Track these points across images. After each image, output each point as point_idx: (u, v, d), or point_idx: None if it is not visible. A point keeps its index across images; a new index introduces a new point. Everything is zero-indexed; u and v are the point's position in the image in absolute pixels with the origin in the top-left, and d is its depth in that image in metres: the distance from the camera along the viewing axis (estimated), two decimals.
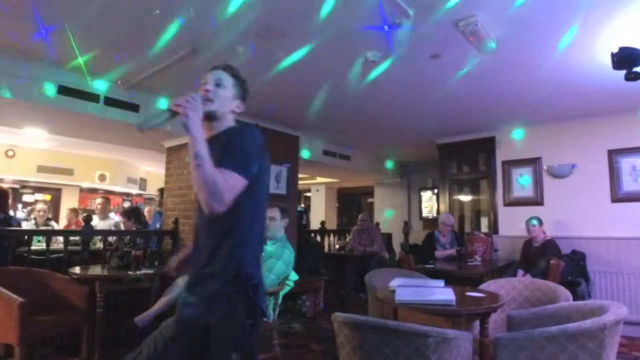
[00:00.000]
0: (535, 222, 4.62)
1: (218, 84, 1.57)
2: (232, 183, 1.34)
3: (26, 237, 4.04)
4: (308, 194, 11.27)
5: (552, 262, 4.18)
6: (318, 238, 6.82)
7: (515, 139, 5.51)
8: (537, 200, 5.26)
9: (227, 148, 1.42)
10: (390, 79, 3.75)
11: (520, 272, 4.48)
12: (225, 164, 1.36)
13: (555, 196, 5.15)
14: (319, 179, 9.98)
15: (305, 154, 6.13)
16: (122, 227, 4.86)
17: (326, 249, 7.04)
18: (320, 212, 10.22)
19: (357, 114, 4.98)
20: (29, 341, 2.89)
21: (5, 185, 4.82)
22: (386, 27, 2.80)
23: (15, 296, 2.79)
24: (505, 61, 3.36)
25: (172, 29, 2.92)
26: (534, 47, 3.13)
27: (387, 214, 8.85)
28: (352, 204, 11.96)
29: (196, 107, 1.41)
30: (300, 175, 6.26)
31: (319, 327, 4.55)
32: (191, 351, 1.52)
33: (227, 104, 1.58)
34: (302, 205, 11.38)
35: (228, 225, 1.44)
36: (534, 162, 5.35)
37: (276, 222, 3.33)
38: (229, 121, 1.59)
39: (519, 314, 2.80)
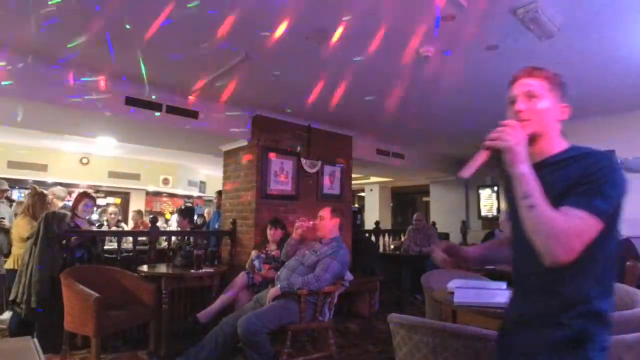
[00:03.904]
0: None
1: (531, 96, 1.22)
2: (582, 227, 1.04)
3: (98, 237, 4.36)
4: (362, 194, 11.22)
5: (628, 263, 3.85)
6: (373, 238, 6.77)
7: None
8: None
9: (576, 180, 1.10)
10: (444, 73, 3.64)
11: None
12: (575, 202, 1.07)
13: (631, 192, 4.73)
14: (373, 179, 9.90)
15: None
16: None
17: (381, 249, 6.96)
18: (374, 212, 10.14)
19: (410, 111, 4.88)
20: (104, 333, 3.12)
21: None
22: (439, 19, 2.72)
23: (91, 292, 3.03)
24: (569, 48, 3.14)
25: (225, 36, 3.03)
26: (604, 30, 2.90)
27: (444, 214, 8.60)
28: (406, 203, 11.76)
29: (516, 135, 1.13)
30: (353, 175, 6.24)
31: (374, 328, 4.51)
32: None
33: (549, 118, 1.22)
34: (356, 205, 11.35)
35: (581, 271, 1.13)
36: None
37: (325, 222, 3.36)
38: (556, 139, 1.23)
39: None
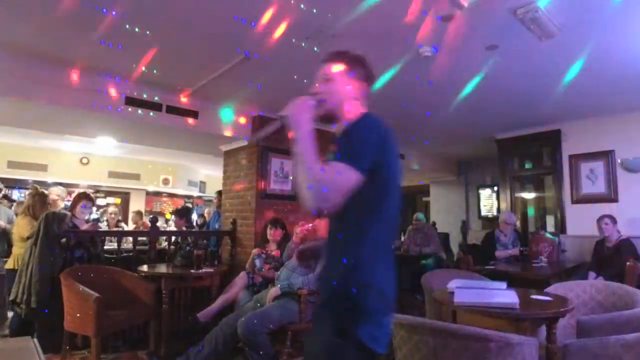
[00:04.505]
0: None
1: (327, 79, 1.42)
2: (334, 179, 1.16)
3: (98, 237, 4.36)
4: None
5: (628, 263, 3.85)
6: None
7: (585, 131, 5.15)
8: (610, 197, 4.86)
9: (338, 142, 1.26)
10: (444, 73, 3.64)
11: (592, 274, 4.17)
12: (335, 156, 1.20)
13: (631, 192, 4.74)
14: None
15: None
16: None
17: None
18: None
19: (410, 111, 4.88)
20: (104, 333, 3.12)
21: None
22: (439, 19, 2.72)
23: (91, 292, 3.02)
24: (570, 48, 3.14)
25: (225, 36, 3.02)
26: (604, 31, 2.90)
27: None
28: (407, 203, 11.74)
29: (299, 107, 1.29)
30: None
31: None
32: None
33: (344, 95, 1.40)
34: None
35: (341, 230, 1.27)
36: (605, 156, 4.96)
37: (324, 222, 3.35)
38: (354, 111, 1.40)
39: (591, 320, 2.59)
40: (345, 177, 1.16)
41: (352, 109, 1.40)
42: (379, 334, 1.21)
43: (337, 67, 1.42)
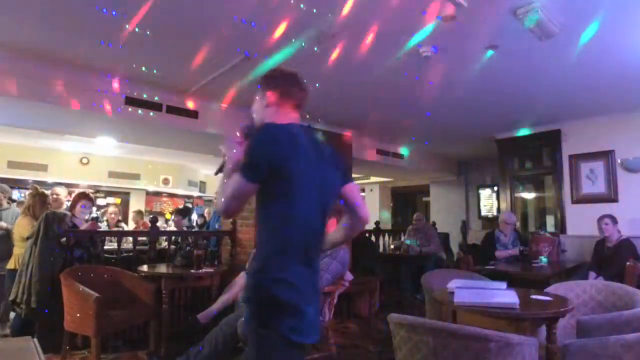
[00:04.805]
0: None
1: (254, 101, 1.62)
2: (231, 189, 1.36)
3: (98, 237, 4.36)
4: (362, 194, 11.21)
5: (628, 263, 3.85)
6: (373, 238, 6.76)
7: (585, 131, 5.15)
8: (610, 197, 4.86)
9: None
10: (444, 74, 3.64)
11: (592, 274, 4.16)
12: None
13: (631, 192, 4.74)
14: (373, 179, 9.90)
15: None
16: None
17: (381, 249, 6.96)
18: (374, 212, 10.13)
19: (410, 111, 4.89)
20: (104, 333, 3.12)
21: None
22: (438, 19, 2.72)
23: (91, 292, 3.02)
24: (570, 48, 3.14)
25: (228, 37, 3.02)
26: (603, 31, 2.90)
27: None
28: (407, 203, 11.75)
29: (229, 142, 1.54)
30: (353, 175, 6.24)
31: (374, 328, 4.51)
32: None
33: (259, 111, 1.58)
34: None
35: (260, 230, 1.43)
36: (605, 156, 4.96)
37: None
38: (269, 120, 1.56)
39: (591, 320, 2.59)
40: (238, 187, 1.35)
41: (274, 118, 1.52)
42: (299, 325, 1.32)
43: (258, 88, 1.60)
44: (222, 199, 1.37)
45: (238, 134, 1.56)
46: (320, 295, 1.54)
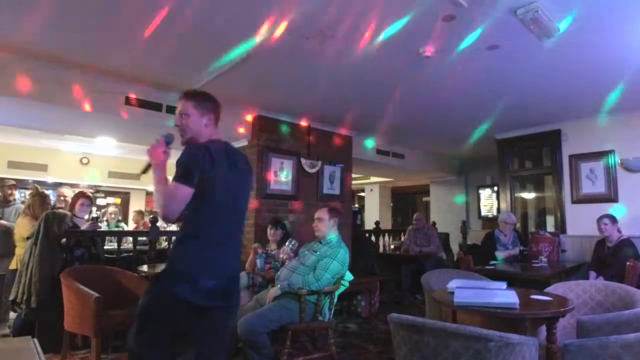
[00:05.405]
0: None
1: (183, 114, 1.92)
2: (175, 193, 1.68)
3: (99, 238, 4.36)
4: (362, 194, 11.21)
5: (628, 263, 3.85)
6: (373, 238, 6.77)
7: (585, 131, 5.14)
8: (610, 197, 4.86)
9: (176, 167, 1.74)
10: (445, 73, 3.64)
11: (592, 274, 4.16)
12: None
13: (631, 192, 4.73)
14: (373, 179, 9.89)
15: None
16: None
17: (381, 249, 6.96)
18: (374, 212, 10.13)
19: (411, 111, 4.88)
20: (104, 333, 3.12)
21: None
22: (439, 19, 2.72)
23: (91, 292, 3.02)
24: (570, 48, 3.14)
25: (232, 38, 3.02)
26: (603, 30, 2.90)
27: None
28: (407, 203, 11.75)
29: (154, 148, 1.90)
30: (353, 175, 6.24)
31: (374, 328, 4.51)
32: None
33: (196, 126, 1.90)
34: (356, 205, 11.34)
35: (182, 229, 1.84)
36: (605, 155, 4.96)
37: (324, 222, 3.35)
38: (205, 140, 1.88)
39: (591, 320, 2.59)
40: (179, 192, 1.68)
41: (203, 138, 1.88)
42: (193, 290, 1.68)
43: (191, 106, 1.93)
44: (166, 204, 1.68)
45: (160, 142, 1.89)
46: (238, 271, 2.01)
